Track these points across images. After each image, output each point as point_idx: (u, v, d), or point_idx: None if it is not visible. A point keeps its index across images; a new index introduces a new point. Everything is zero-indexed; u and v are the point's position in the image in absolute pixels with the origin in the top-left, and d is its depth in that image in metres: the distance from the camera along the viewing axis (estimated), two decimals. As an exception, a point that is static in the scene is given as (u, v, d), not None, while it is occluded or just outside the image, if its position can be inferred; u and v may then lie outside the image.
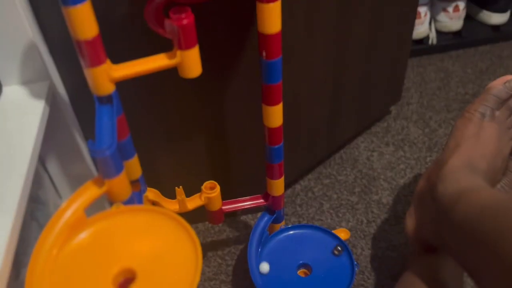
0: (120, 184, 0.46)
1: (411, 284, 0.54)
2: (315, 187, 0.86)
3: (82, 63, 0.41)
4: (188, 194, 0.61)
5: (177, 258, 0.41)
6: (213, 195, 0.61)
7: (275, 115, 0.56)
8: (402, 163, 0.89)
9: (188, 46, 0.43)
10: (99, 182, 0.45)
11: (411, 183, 0.86)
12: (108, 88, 0.43)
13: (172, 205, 0.61)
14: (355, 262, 0.65)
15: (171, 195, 0.61)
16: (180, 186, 0.59)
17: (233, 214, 0.81)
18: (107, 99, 0.44)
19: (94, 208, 0.45)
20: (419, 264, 0.58)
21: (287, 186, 0.86)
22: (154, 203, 0.60)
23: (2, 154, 0.48)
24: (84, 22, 0.39)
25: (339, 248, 0.67)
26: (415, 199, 0.61)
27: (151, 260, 0.42)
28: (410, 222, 0.61)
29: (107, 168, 0.44)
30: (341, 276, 0.64)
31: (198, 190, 0.62)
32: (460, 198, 0.49)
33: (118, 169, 0.45)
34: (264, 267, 0.65)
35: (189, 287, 0.40)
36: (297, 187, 0.86)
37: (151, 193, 0.59)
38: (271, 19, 0.48)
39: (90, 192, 0.45)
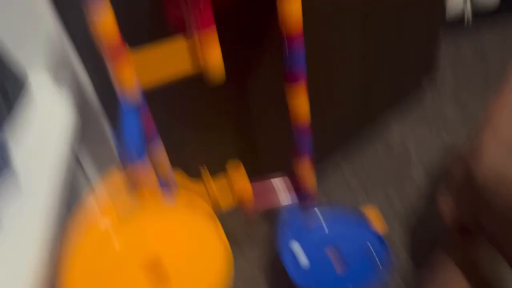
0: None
1: (444, 265, 0.51)
2: (344, 166, 0.83)
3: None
4: (214, 172, 0.59)
5: (208, 257, 0.40)
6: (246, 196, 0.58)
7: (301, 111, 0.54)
8: (436, 141, 0.86)
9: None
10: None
11: (445, 162, 0.82)
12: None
13: (196, 187, 0.60)
14: (387, 247, 0.63)
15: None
16: (206, 169, 0.57)
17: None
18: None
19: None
20: (453, 246, 0.55)
21: (316, 162, 0.84)
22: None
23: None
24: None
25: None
26: (451, 182, 0.58)
27: (183, 259, 0.40)
28: (444, 204, 0.58)
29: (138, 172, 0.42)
30: (371, 258, 0.62)
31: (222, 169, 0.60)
32: (501, 184, 0.46)
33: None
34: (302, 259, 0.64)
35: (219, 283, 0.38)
36: (327, 168, 0.84)
37: (177, 175, 0.59)
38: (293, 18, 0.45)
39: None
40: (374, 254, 0.63)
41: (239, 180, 0.60)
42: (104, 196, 0.42)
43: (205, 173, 0.57)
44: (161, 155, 0.55)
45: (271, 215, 0.78)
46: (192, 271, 0.39)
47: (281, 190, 0.65)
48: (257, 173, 0.65)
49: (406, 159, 0.83)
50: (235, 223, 0.77)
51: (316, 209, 0.68)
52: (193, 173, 0.61)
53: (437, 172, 0.81)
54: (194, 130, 0.67)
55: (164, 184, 0.56)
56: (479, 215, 0.49)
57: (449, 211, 0.57)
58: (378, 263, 0.61)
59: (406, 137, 0.87)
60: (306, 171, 0.63)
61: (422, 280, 0.50)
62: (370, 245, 0.64)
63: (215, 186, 0.60)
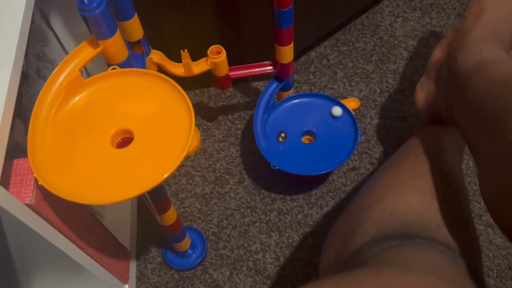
0: (115, 45, 0.45)
1: (413, 147, 0.54)
2: (330, 55, 0.83)
3: None
4: (195, 59, 0.60)
5: (172, 118, 0.42)
6: (219, 60, 0.60)
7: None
8: (427, 30, 0.84)
9: None
10: (94, 43, 0.45)
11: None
12: None
13: (177, 69, 0.61)
14: (359, 132, 0.65)
15: (177, 59, 0.60)
16: (185, 50, 0.58)
17: (244, 80, 0.81)
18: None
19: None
20: (423, 131, 0.57)
21: (302, 53, 0.83)
22: (158, 66, 0.60)
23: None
24: None
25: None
26: (430, 69, 0.58)
27: (147, 120, 0.43)
28: (420, 93, 0.59)
29: (99, 28, 0.43)
30: (344, 144, 0.65)
31: (205, 55, 0.61)
32: (477, 72, 0.46)
33: (112, 30, 0.44)
34: (337, 110, 0.67)
35: (183, 147, 0.41)
36: (312, 54, 0.83)
37: (156, 55, 0.59)
38: None
39: (84, 52, 0.44)
40: (349, 139, 0.66)
41: (220, 66, 0.60)
42: (75, 64, 0.43)
43: (185, 54, 0.57)
44: (134, 23, 0.54)
45: (247, 90, 0.79)
46: (156, 134, 0.41)
47: (260, 71, 0.65)
48: (239, 62, 0.65)
49: (393, 48, 0.82)
50: (209, 99, 0.79)
51: (294, 94, 0.70)
52: (175, 58, 0.61)
53: (423, 62, 0.80)
54: (177, 14, 0.65)
55: (137, 48, 0.56)
56: (453, 104, 0.50)
57: (425, 98, 0.58)
58: (352, 146, 0.65)
59: (396, 24, 0.85)
60: (286, 57, 0.63)
61: (389, 161, 0.53)
62: (345, 130, 0.67)
63: (196, 69, 0.60)
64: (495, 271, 0.63)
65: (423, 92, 0.59)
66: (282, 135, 0.67)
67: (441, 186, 0.43)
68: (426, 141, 0.55)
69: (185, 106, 0.42)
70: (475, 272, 0.37)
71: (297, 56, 0.81)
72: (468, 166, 0.71)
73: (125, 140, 0.44)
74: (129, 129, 0.43)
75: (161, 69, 0.60)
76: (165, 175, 0.39)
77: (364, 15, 0.87)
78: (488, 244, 0.65)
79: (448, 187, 0.44)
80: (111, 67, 0.45)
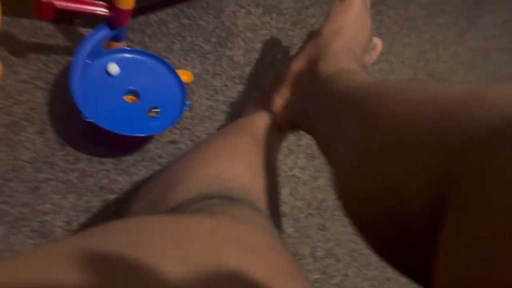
0: None
1: (246, 125, 0.55)
2: (171, 23, 0.79)
3: None
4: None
5: None
6: (44, -21, 0.50)
7: None
8: (265, 28, 0.87)
9: None
10: None
11: (266, 50, 0.85)
12: None
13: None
14: (187, 102, 0.63)
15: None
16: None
17: (70, 20, 0.71)
18: None
19: None
20: (258, 117, 0.58)
21: (141, 12, 0.77)
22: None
23: None
24: None
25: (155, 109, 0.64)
26: (291, 78, 0.60)
27: None
28: (278, 100, 0.60)
29: None
30: (168, 112, 0.62)
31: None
32: (340, 74, 0.50)
33: None
34: (113, 67, 0.59)
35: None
36: (152, 17, 0.78)
37: None
38: None
39: None
40: (175, 108, 0.63)
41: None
42: None
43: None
44: None
45: (70, 33, 0.70)
46: None
47: (93, 9, 0.58)
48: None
49: (232, 35, 0.83)
50: (21, 32, 0.68)
51: (128, 48, 0.64)
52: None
53: (256, 56, 0.83)
54: None
55: None
56: (310, 105, 0.51)
57: (282, 107, 0.59)
58: (176, 116, 0.62)
59: (239, 14, 0.86)
60: (126, 2, 0.57)
61: (218, 132, 0.52)
62: (172, 98, 0.63)
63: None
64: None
65: (281, 99, 0.60)
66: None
67: (264, 168, 0.44)
68: (258, 126, 0.56)
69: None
70: None
71: (135, 13, 0.75)
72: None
73: None
74: None
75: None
76: None
77: (211, -4, 0.86)
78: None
79: (268, 172, 0.45)
80: None
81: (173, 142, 0.69)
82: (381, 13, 1.03)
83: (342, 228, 0.76)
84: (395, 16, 1.05)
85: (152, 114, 0.61)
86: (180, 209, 0.34)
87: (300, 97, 0.58)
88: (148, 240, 0.21)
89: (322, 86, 0.51)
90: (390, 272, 0.76)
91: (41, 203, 0.58)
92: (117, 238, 0.21)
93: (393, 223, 0.28)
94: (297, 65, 0.60)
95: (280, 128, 0.60)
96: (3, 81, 0.63)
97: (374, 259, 0.75)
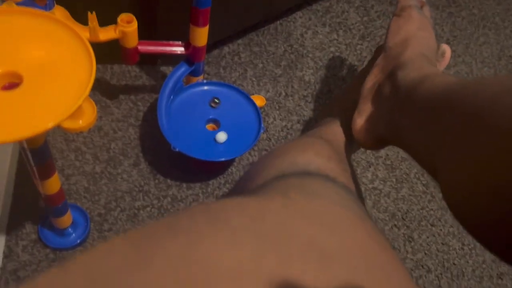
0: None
1: (316, 132, 0.56)
2: (243, 53, 0.84)
3: None
4: (104, 25, 0.56)
5: (69, 68, 0.39)
6: (129, 29, 0.57)
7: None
8: (333, 45, 0.89)
9: None
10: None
11: (336, 66, 0.87)
12: None
13: (82, 32, 0.56)
14: (262, 125, 0.66)
15: (84, 22, 0.56)
16: (94, 12, 0.54)
17: (153, 62, 0.78)
18: None
19: None
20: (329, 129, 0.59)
21: (214, 46, 0.83)
22: (62, 24, 0.55)
23: None
24: None
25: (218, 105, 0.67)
26: (368, 95, 0.59)
27: (40, 66, 0.39)
28: (359, 119, 0.58)
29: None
30: (246, 136, 0.66)
31: (114, 22, 0.57)
32: (425, 79, 0.47)
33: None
34: (221, 136, 0.65)
35: (77, 98, 0.38)
36: (225, 49, 0.84)
37: (59, 12, 0.54)
38: None
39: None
40: (252, 132, 0.66)
41: (129, 36, 0.57)
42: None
43: (93, 17, 0.54)
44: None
45: (154, 73, 0.77)
46: (48, 81, 0.38)
47: (172, 50, 0.64)
48: (149, 39, 0.62)
49: (301, 56, 0.86)
50: (112, 76, 0.76)
51: (205, 80, 0.69)
52: (80, 20, 0.57)
53: (326, 73, 0.85)
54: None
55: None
56: (400, 118, 0.49)
57: (364, 123, 0.58)
58: (254, 139, 0.65)
59: (306, 35, 0.89)
60: (200, 40, 0.62)
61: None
62: (249, 123, 0.67)
63: (102, 36, 0.57)
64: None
65: (361, 118, 0.58)
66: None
67: (340, 158, 0.45)
68: (331, 133, 0.57)
69: (85, 57, 0.39)
70: None
71: (209, 48, 0.81)
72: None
73: (12, 86, 0.39)
74: (19, 72, 0.39)
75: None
76: (51, 124, 0.36)
77: (278, 22, 0.90)
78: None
79: (345, 162, 0.46)
80: (6, 2, 0.40)
81: (252, 164, 0.73)
82: (452, 15, 1.00)
83: (431, 238, 0.74)
84: (468, 16, 1.01)
85: (213, 105, 0.67)
86: (257, 191, 0.36)
87: (383, 111, 0.56)
88: (226, 218, 0.24)
89: (408, 94, 0.49)
90: (487, 281, 0.72)
91: (140, 229, 0.64)
92: (197, 218, 0.24)
93: None
94: (371, 81, 0.59)
95: (365, 147, 0.59)
96: (100, 121, 0.72)
97: (468, 269, 0.72)
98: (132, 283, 0.21)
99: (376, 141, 0.57)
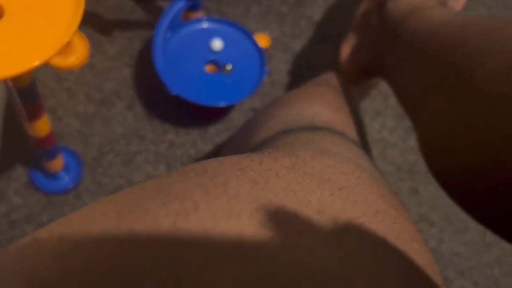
0: None
1: (323, 79, 0.52)
2: (247, -12, 0.77)
3: None
4: None
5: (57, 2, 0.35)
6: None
7: None
8: (345, -17, 0.82)
9: None
10: None
11: (347, 5, 0.80)
12: None
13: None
14: (266, 69, 0.62)
15: None
16: None
17: (150, -4, 0.72)
18: None
19: None
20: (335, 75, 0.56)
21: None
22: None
23: None
24: None
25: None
26: (357, 23, 0.56)
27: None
28: (346, 47, 0.57)
29: None
30: (248, 80, 0.61)
31: None
32: (412, 13, 0.44)
33: None
34: (217, 43, 0.60)
35: (65, 33, 0.34)
36: (228, -17, 0.77)
37: None
38: None
39: None
40: (254, 75, 0.62)
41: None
42: None
43: None
44: None
45: (150, 7, 0.72)
46: (33, 15, 0.34)
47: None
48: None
49: (311, -7, 0.80)
50: (106, 10, 0.70)
51: (205, 17, 0.64)
52: None
53: (337, 13, 0.79)
54: None
55: None
56: (384, 48, 0.47)
57: (350, 52, 0.56)
58: (256, 83, 0.61)
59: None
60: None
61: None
62: (251, 66, 0.63)
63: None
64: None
65: (348, 46, 0.57)
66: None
67: (347, 109, 0.42)
68: (334, 78, 0.54)
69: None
70: None
71: (211, -19, 0.75)
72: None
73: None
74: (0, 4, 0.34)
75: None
76: (37, 62, 0.33)
77: (286, -46, 0.82)
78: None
79: (352, 114, 0.43)
80: None
81: (254, 109, 0.69)
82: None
83: (436, 191, 0.72)
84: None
85: (227, 71, 0.62)
86: (260, 147, 0.33)
87: (369, 41, 0.53)
88: (223, 183, 0.21)
89: (394, 26, 0.45)
90: (490, 236, 0.71)
91: (136, 174, 0.62)
92: (191, 183, 0.21)
93: (492, 179, 0.26)
94: (364, 8, 0.55)
95: (349, 79, 0.56)
96: (92, 59, 0.67)
97: (472, 223, 0.70)
98: None
99: (361, 73, 0.54)
